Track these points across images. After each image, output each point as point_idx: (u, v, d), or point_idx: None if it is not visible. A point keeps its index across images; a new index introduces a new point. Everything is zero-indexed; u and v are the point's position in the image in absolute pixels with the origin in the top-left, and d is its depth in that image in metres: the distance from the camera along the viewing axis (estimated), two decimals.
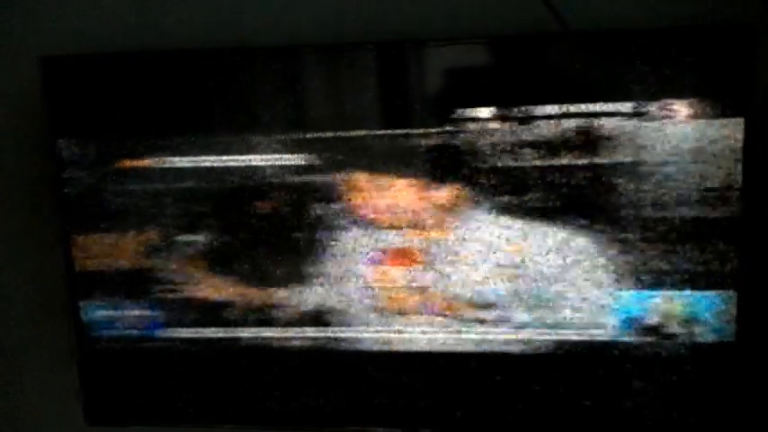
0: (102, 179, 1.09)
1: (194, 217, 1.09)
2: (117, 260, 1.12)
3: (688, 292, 1.01)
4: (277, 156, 1.05)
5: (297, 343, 1.11)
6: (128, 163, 1.08)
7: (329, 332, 1.10)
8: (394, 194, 1.04)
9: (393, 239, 1.05)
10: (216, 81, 1.05)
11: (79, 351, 1.16)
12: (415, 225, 1.05)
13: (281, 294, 1.09)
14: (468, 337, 1.07)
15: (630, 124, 0.98)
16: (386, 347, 1.09)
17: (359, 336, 1.09)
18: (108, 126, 1.08)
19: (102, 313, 1.14)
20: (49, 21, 1.18)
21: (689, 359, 1.03)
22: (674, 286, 1.01)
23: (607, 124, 0.98)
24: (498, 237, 1.03)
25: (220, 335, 1.12)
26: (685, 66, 0.96)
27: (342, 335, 1.10)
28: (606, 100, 0.97)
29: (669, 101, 0.96)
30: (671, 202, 0.99)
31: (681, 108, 0.97)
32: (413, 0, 1.10)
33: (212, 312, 1.12)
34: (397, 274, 1.07)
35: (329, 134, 1.04)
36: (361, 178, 1.04)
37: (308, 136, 1.04)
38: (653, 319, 1.02)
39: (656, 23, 1.00)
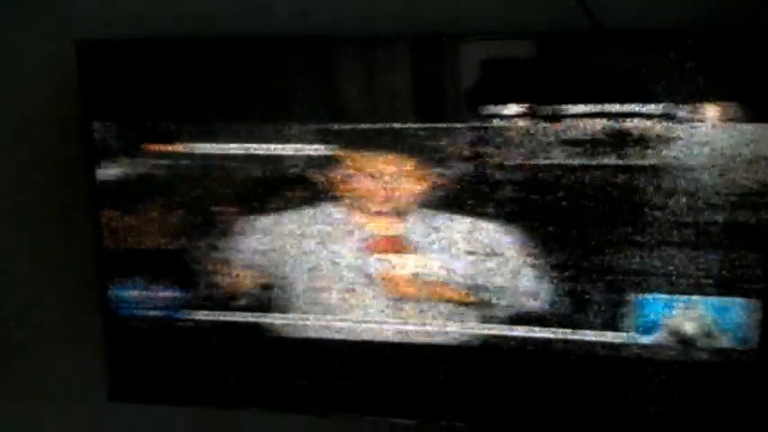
0: (134, 162, 1.11)
1: (223, 201, 1.10)
2: (146, 241, 1.14)
3: (713, 298, 1.00)
4: (306, 145, 1.06)
5: (316, 331, 1.12)
6: (159, 146, 1.10)
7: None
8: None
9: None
10: (248, 69, 1.07)
11: (105, 329, 1.19)
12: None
13: (305, 283, 1.11)
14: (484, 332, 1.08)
15: (660, 127, 0.96)
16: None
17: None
18: (141, 110, 1.10)
19: (129, 293, 1.16)
20: (84, 5, 1.20)
21: (712, 365, 1.02)
22: (699, 292, 1.00)
23: (636, 126, 0.97)
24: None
25: (244, 318, 1.14)
26: (716, 68, 0.94)
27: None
28: (635, 101, 0.96)
29: (699, 104, 0.95)
30: (697, 207, 0.97)
31: (711, 111, 0.95)
32: None
33: (236, 296, 1.14)
34: None
35: (357, 126, 1.04)
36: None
37: (336, 127, 1.05)
38: (677, 325, 1.02)
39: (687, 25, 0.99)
